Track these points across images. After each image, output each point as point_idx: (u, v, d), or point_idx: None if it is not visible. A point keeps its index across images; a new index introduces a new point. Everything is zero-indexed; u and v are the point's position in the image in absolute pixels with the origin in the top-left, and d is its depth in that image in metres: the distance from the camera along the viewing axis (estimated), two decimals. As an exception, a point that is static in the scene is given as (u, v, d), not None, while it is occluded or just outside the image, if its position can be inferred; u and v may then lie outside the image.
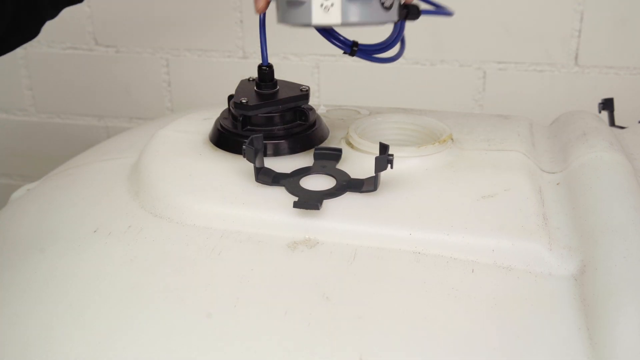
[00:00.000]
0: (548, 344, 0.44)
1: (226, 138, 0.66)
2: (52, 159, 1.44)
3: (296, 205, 0.54)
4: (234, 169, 0.62)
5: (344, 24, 0.53)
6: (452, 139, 0.67)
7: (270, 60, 0.66)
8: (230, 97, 0.69)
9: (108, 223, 0.58)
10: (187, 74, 1.31)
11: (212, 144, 0.67)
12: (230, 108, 0.67)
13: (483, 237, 0.53)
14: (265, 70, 0.66)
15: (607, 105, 0.95)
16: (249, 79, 0.69)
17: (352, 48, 0.62)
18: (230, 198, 0.58)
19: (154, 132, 0.71)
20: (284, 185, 0.59)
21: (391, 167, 0.56)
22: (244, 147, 0.58)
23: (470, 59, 1.19)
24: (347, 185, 0.59)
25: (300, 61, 1.23)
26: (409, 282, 0.50)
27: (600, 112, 0.96)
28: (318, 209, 0.54)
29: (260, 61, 0.66)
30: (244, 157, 0.58)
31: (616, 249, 0.50)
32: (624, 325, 0.43)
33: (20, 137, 1.45)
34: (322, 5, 0.52)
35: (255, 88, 0.67)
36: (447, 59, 1.19)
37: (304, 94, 0.67)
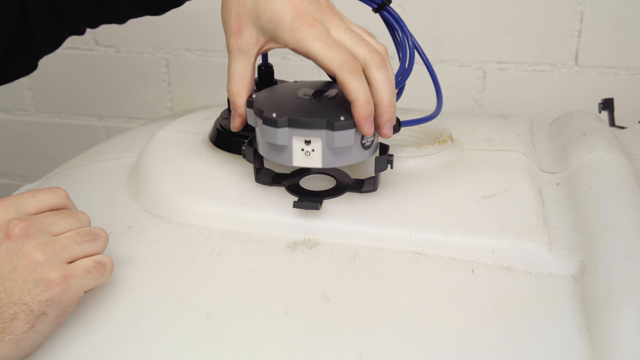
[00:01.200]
0: (548, 344, 0.44)
1: (226, 138, 0.66)
2: (52, 159, 1.44)
3: (296, 205, 0.54)
4: (234, 169, 0.62)
5: (326, 167, 0.54)
6: (452, 139, 0.67)
7: (270, 60, 0.66)
8: (230, 97, 0.69)
9: (108, 223, 0.57)
10: (187, 74, 1.31)
11: (212, 144, 0.67)
12: (230, 108, 0.67)
13: (483, 237, 0.53)
14: (265, 70, 0.66)
15: (607, 105, 0.95)
16: (249, 79, 0.69)
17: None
18: (230, 198, 0.58)
19: (154, 132, 0.71)
20: (284, 186, 0.58)
21: (391, 167, 0.56)
22: (243, 147, 0.57)
23: (470, 59, 1.19)
24: (347, 185, 0.58)
25: (300, 61, 1.23)
26: (409, 282, 0.50)
27: (600, 112, 0.96)
28: (318, 208, 0.54)
29: (260, 61, 0.66)
30: (244, 157, 0.58)
31: (616, 249, 0.50)
32: (624, 326, 0.43)
33: (20, 137, 1.45)
34: (302, 150, 0.53)
35: (255, 88, 0.67)
36: (447, 59, 1.19)
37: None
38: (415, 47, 0.64)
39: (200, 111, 0.78)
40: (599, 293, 0.47)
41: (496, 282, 0.50)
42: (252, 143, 0.58)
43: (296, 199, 0.56)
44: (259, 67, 0.66)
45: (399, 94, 0.65)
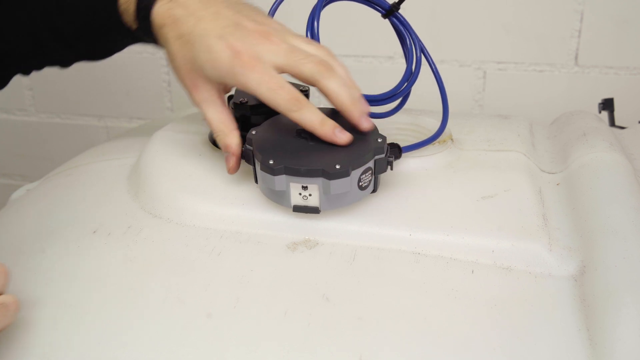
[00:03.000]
0: (548, 345, 0.44)
1: (226, 138, 0.66)
2: (52, 159, 1.44)
3: (296, 209, 0.54)
4: (234, 169, 0.62)
5: (324, 210, 0.55)
6: (452, 139, 0.67)
7: (270, 60, 0.66)
8: (230, 97, 0.69)
9: (108, 223, 0.58)
10: (187, 74, 1.31)
11: (212, 144, 0.67)
12: (230, 108, 0.67)
13: (483, 237, 0.53)
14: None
15: (607, 105, 0.95)
16: (249, 79, 0.69)
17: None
18: (230, 198, 0.58)
19: (154, 132, 0.71)
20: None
21: (391, 169, 0.56)
22: (242, 149, 0.57)
23: (470, 59, 1.19)
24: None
25: (300, 61, 1.23)
26: (409, 283, 0.50)
27: (600, 112, 0.96)
28: (318, 212, 0.54)
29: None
30: (243, 159, 0.58)
31: (616, 250, 0.50)
32: (624, 326, 0.43)
33: (20, 137, 1.45)
34: (300, 194, 0.54)
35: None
36: (447, 59, 1.19)
37: (304, 94, 0.67)
38: (424, 53, 0.64)
39: (200, 111, 0.78)
40: (599, 293, 0.47)
41: (496, 282, 0.50)
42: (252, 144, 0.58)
43: (296, 199, 0.56)
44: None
45: (403, 100, 0.65)
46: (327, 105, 0.65)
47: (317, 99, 1.24)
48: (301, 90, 0.67)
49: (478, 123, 0.75)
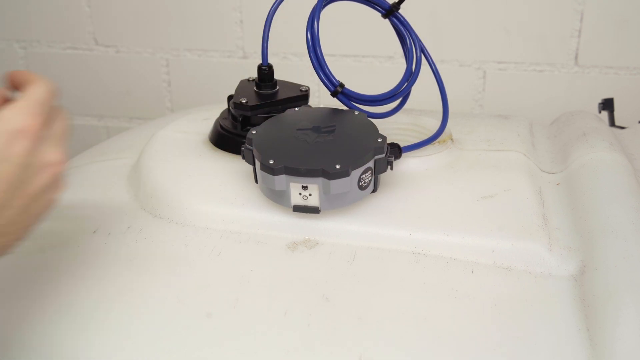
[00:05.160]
0: (548, 345, 0.44)
1: (226, 138, 0.66)
2: (52, 159, 1.44)
3: (296, 209, 0.54)
4: (234, 169, 0.62)
5: (324, 210, 0.55)
6: (452, 139, 0.67)
7: (270, 60, 0.66)
8: (230, 97, 0.69)
9: (108, 223, 0.58)
10: (187, 74, 1.31)
11: (212, 144, 0.67)
12: (230, 108, 0.67)
13: (483, 237, 0.53)
14: (265, 70, 0.66)
15: (607, 105, 0.95)
16: (248, 79, 0.69)
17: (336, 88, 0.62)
18: (230, 198, 0.58)
19: (153, 132, 0.71)
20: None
21: (391, 169, 0.56)
22: (243, 147, 0.57)
23: (470, 59, 1.19)
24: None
25: (300, 61, 1.23)
26: (409, 283, 0.50)
27: (600, 112, 0.96)
28: (318, 212, 0.54)
29: (260, 61, 0.66)
30: (243, 158, 0.58)
31: (616, 250, 0.50)
32: (624, 326, 0.43)
33: (20, 137, 1.45)
34: (300, 194, 0.54)
35: (255, 88, 0.67)
36: (447, 59, 1.19)
37: (304, 94, 0.67)
38: (424, 53, 0.64)
39: (200, 111, 0.78)
40: (599, 293, 0.47)
41: (496, 282, 0.50)
42: (252, 143, 0.58)
43: (296, 199, 0.56)
44: (259, 67, 0.66)
45: (403, 100, 0.65)
46: (327, 105, 0.65)
47: (317, 99, 1.24)
48: (300, 91, 0.67)
49: (478, 123, 0.75)
